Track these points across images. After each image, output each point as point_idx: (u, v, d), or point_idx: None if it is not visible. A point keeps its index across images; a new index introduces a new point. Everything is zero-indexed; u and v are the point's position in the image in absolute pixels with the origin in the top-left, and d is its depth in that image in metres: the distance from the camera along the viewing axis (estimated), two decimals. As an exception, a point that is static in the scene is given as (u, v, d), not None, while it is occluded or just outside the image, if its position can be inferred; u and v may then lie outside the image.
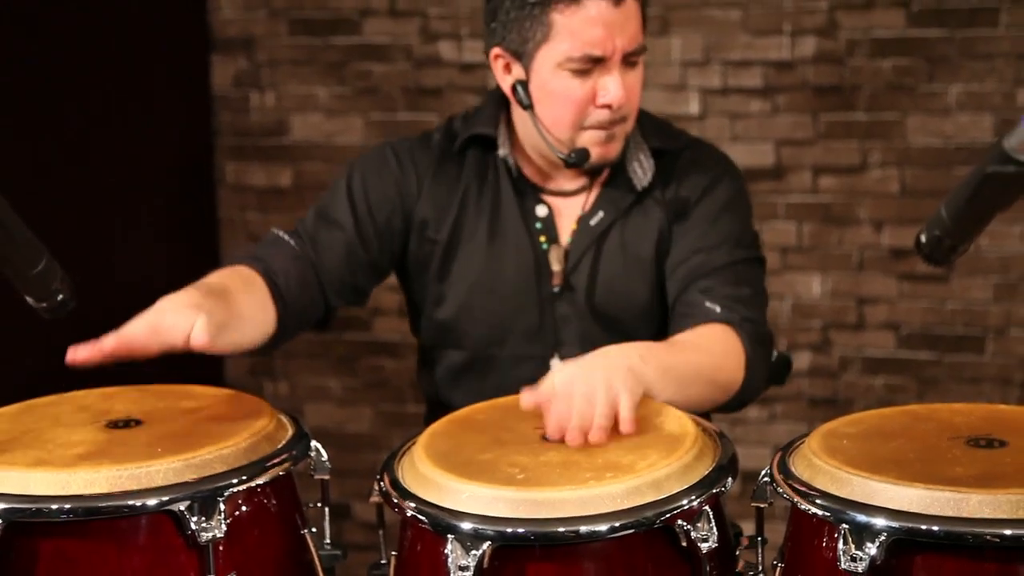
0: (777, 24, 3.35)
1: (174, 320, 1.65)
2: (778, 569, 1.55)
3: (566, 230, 2.07)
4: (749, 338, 1.92)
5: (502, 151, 2.07)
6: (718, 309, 1.93)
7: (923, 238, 1.53)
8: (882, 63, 3.31)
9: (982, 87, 3.26)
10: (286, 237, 2.06)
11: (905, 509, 1.40)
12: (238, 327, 1.81)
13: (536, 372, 1.79)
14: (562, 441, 1.60)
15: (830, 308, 3.43)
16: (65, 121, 3.09)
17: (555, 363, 2.04)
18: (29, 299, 1.62)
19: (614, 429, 1.62)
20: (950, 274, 3.32)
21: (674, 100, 3.40)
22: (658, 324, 2.07)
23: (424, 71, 3.56)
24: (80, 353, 1.61)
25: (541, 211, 2.07)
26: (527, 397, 1.65)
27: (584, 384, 1.62)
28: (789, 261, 3.40)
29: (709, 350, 1.89)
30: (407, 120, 3.57)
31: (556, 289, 2.05)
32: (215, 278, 1.89)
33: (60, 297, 1.63)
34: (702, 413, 1.82)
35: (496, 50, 2.00)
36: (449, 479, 1.50)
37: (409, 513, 1.50)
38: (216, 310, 1.73)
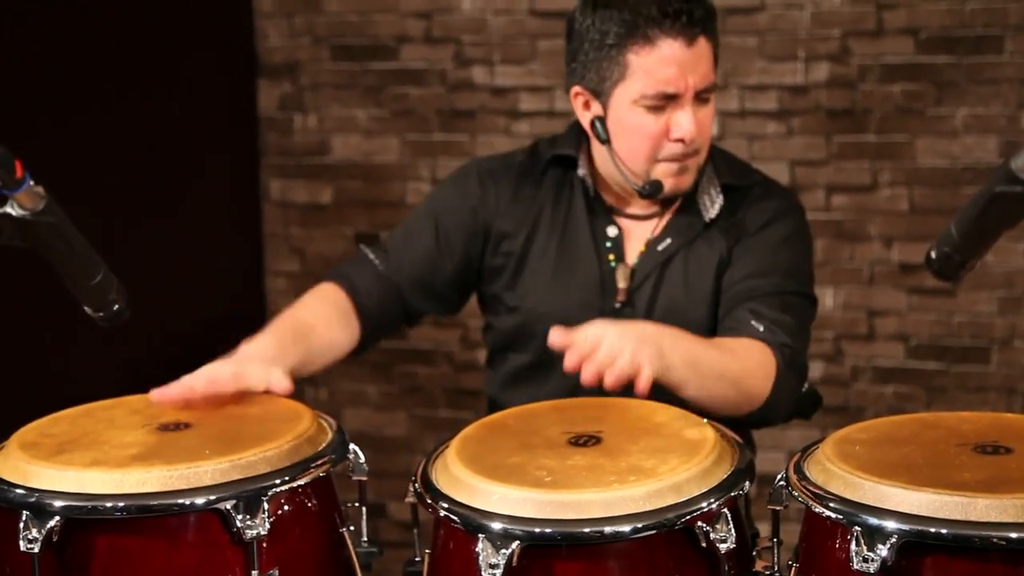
0: (792, 51, 3.34)
1: (254, 374, 1.76)
2: (793, 569, 1.54)
3: (634, 251, 2.07)
4: (784, 360, 1.91)
5: (581, 171, 2.08)
6: (760, 329, 1.92)
7: (933, 254, 1.52)
8: (892, 88, 3.30)
9: (987, 111, 3.24)
10: (372, 257, 2.13)
11: (915, 512, 1.39)
12: (315, 362, 1.97)
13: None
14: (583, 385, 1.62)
15: (842, 320, 3.41)
16: (122, 141, 3.11)
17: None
18: (87, 309, 1.63)
19: (637, 432, 1.62)
20: (957, 288, 3.30)
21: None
22: None
23: (457, 94, 3.57)
24: (169, 394, 1.72)
25: (612, 231, 2.08)
26: (556, 335, 1.69)
27: (613, 342, 1.66)
28: (803, 275, 3.38)
29: (740, 356, 1.88)
30: (441, 141, 3.58)
31: (618, 305, 2.05)
32: (305, 312, 2.01)
33: (116, 307, 1.64)
34: (725, 420, 1.82)
35: (576, 88, 2.02)
36: (480, 481, 1.50)
37: (442, 513, 1.50)
38: (294, 357, 1.87)
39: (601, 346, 1.65)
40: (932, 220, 3.29)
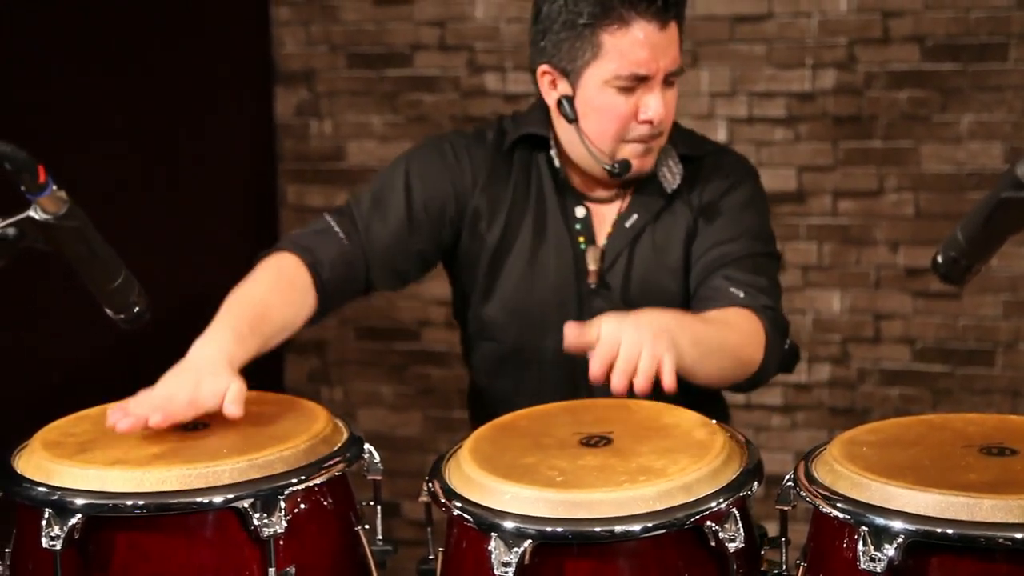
0: (799, 58, 3.33)
1: (209, 389, 1.65)
2: (801, 568, 1.54)
3: (603, 231, 2.06)
4: (770, 323, 1.92)
5: (553, 151, 2.06)
6: (741, 295, 1.92)
7: (940, 259, 1.51)
8: (898, 94, 3.29)
9: (992, 117, 3.23)
10: (336, 227, 2.03)
11: (921, 513, 1.38)
12: (270, 344, 1.83)
13: (574, 364, 1.78)
14: (606, 388, 1.58)
15: (849, 323, 3.40)
16: (142, 146, 3.12)
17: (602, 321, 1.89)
18: (108, 311, 1.64)
19: (647, 433, 1.61)
20: (962, 292, 3.29)
21: (703, 129, 3.32)
22: None
23: (471, 101, 3.57)
24: (122, 424, 1.61)
25: (580, 212, 2.06)
26: (571, 334, 1.64)
27: (631, 335, 1.62)
28: (810, 279, 3.38)
29: (735, 328, 1.87)
30: (455, 147, 3.58)
31: (592, 286, 2.04)
32: (261, 291, 1.88)
33: (136, 309, 1.64)
34: (716, 399, 1.78)
35: (544, 67, 1.99)
36: (493, 481, 1.50)
37: (455, 512, 1.50)
38: (251, 349, 1.76)
39: (621, 347, 1.61)
40: (938, 225, 3.28)
